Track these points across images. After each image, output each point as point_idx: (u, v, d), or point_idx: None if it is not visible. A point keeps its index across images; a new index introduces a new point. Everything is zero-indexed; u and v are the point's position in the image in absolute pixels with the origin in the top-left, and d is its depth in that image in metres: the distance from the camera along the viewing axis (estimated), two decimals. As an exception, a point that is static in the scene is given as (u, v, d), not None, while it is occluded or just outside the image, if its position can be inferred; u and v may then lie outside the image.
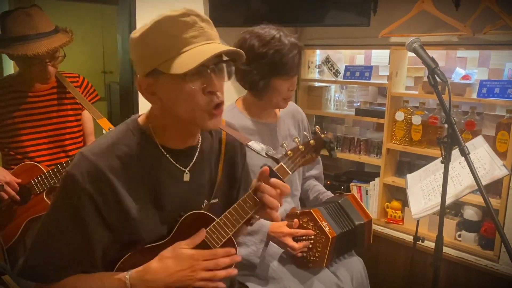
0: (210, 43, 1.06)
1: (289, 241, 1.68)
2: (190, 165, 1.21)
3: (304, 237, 1.70)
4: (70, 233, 1.08)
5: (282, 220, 1.76)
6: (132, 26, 2.26)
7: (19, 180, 1.85)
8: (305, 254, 1.71)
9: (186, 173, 1.20)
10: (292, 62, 1.68)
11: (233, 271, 1.16)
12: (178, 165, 1.19)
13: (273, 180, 1.20)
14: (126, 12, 2.25)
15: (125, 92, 2.39)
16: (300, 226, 1.71)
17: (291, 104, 2.00)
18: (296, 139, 1.29)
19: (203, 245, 1.20)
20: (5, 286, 1.06)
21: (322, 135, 1.30)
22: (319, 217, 1.68)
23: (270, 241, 1.73)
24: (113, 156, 1.09)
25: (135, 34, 1.07)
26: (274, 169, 1.23)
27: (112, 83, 4.39)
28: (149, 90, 1.10)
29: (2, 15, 1.87)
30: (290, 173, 1.25)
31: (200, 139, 1.24)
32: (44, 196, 1.89)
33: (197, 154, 1.22)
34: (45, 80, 1.94)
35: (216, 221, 1.20)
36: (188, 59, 1.01)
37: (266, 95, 1.76)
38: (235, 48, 1.08)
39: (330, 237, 1.64)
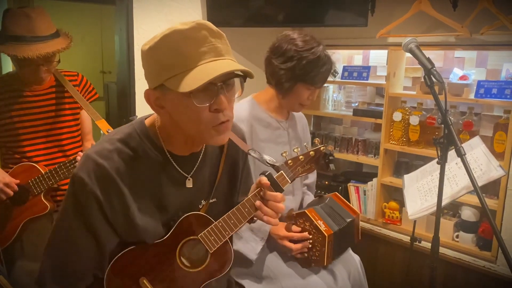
0: (219, 60, 1.03)
1: (286, 243, 1.71)
2: (193, 171, 1.21)
3: (306, 234, 1.71)
4: (82, 239, 1.09)
5: (281, 221, 1.78)
6: (129, 26, 2.26)
7: (18, 181, 1.85)
8: (306, 255, 1.72)
9: (189, 179, 1.20)
10: (322, 76, 1.75)
11: None
12: (181, 171, 1.19)
13: (271, 195, 1.21)
14: (124, 13, 2.25)
15: (122, 92, 2.39)
16: (298, 227, 1.72)
17: None
18: (296, 149, 1.30)
19: (200, 249, 1.21)
20: (-1, 287, 1.06)
21: (322, 148, 1.32)
22: (314, 217, 1.70)
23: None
24: (119, 158, 1.09)
25: (144, 46, 1.05)
26: (274, 177, 1.24)
27: (110, 83, 4.39)
28: (157, 103, 1.08)
29: (5, 13, 1.86)
30: (290, 181, 1.26)
31: (204, 146, 1.24)
32: (42, 197, 1.89)
33: (199, 160, 1.23)
34: (38, 81, 1.93)
35: (214, 223, 1.21)
36: (195, 77, 0.99)
37: (287, 95, 1.80)
38: (243, 68, 1.04)
39: (326, 235, 1.66)
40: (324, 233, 1.66)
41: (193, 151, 1.20)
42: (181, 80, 0.99)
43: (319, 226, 1.67)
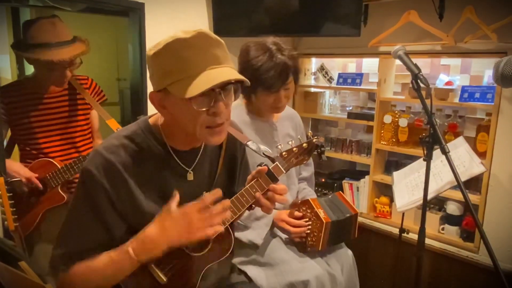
0: (219, 68, 1.04)
1: (286, 226, 1.73)
2: (194, 165, 1.22)
3: (303, 222, 1.73)
4: (91, 226, 1.09)
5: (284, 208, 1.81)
6: (141, 36, 2.27)
7: (37, 175, 1.87)
8: (304, 239, 1.74)
9: (190, 173, 1.22)
10: (271, 80, 1.67)
11: (226, 214, 1.11)
12: (183, 165, 1.20)
13: (273, 187, 1.22)
14: (136, 24, 2.26)
15: (135, 97, 2.41)
16: (300, 212, 1.75)
17: (289, 109, 2.03)
18: (291, 142, 1.31)
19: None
20: (21, 271, 1.07)
21: (314, 139, 1.32)
22: (316, 205, 1.72)
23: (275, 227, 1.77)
24: (125, 153, 1.11)
25: (149, 52, 1.06)
26: (270, 168, 1.25)
27: (125, 89, 4.42)
28: (160, 104, 1.09)
29: (26, 23, 1.89)
30: (284, 171, 1.27)
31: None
32: (59, 189, 1.92)
33: (199, 154, 1.24)
34: (61, 83, 1.96)
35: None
36: (196, 84, 1.00)
37: (256, 103, 1.79)
38: (241, 77, 1.05)
39: (325, 222, 1.67)
40: (323, 220, 1.68)
41: (194, 146, 1.21)
42: (183, 86, 1.00)
43: (319, 214, 1.70)
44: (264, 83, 1.68)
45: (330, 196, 1.84)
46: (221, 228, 1.10)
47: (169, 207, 1.08)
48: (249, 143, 1.32)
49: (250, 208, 1.28)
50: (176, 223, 1.06)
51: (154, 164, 1.15)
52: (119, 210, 1.10)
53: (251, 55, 1.70)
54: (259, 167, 1.24)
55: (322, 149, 1.33)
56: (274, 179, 1.25)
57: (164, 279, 1.14)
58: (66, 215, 1.13)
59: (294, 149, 1.30)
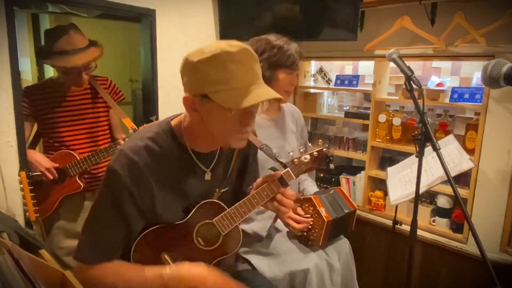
0: (261, 86, 1.05)
1: (291, 222, 1.71)
2: (212, 166, 1.22)
3: (305, 217, 1.72)
4: (114, 221, 1.10)
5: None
6: (153, 40, 2.27)
7: (57, 165, 1.93)
8: (305, 234, 1.73)
9: (208, 173, 1.22)
10: (294, 59, 1.73)
11: None
12: (202, 166, 1.20)
13: (284, 192, 1.22)
14: (148, 29, 2.26)
15: (147, 97, 2.41)
16: (303, 210, 1.74)
17: (290, 105, 2.04)
18: (302, 149, 1.30)
19: (214, 231, 1.22)
20: (42, 259, 1.08)
21: (324, 149, 1.31)
22: (318, 204, 1.70)
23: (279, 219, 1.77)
24: (148, 154, 1.10)
25: (192, 57, 1.03)
26: (282, 174, 1.24)
27: (137, 90, 4.42)
28: (193, 107, 1.08)
29: (46, 32, 1.96)
30: (294, 177, 1.27)
31: None
32: (77, 178, 1.98)
33: (217, 156, 1.24)
34: (79, 84, 2.03)
35: (227, 210, 1.22)
36: (239, 96, 1.00)
37: (270, 85, 1.78)
38: (278, 96, 1.06)
39: (326, 220, 1.66)
40: (324, 218, 1.66)
41: (213, 149, 1.21)
42: (228, 97, 1.00)
43: (321, 212, 1.68)
44: (287, 61, 1.72)
45: (331, 192, 1.82)
46: None
47: (221, 274, 1.09)
48: (263, 146, 1.31)
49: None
50: (213, 282, 1.07)
51: (174, 165, 1.15)
52: (140, 207, 1.11)
53: (272, 39, 1.75)
54: (272, 173, 1.23)
55: (331, 158, 1.31)
56: (285, 185, 1.24)
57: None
58: (91, 208, 1.13)
59: (306, 157, 1.28)
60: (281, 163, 1.27)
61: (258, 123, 1.83)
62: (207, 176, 1.22)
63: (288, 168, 1.25)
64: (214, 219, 1.22)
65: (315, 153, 1.30)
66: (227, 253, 1.26)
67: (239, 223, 1.24)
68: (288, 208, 1.24)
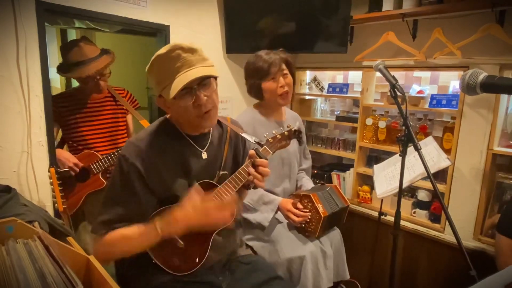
0: (190, 70, 1.08)
1: (291, 216, 1.72)
2: (206, 147, 1.26)
3: (303, 211, 1.72)
4: (127, 198, 1.12)
5: (291, 198, 1.81)
6: (167, 52, 2.28)
7: (82, 164, 1.92)
8: (303, 226, 1.73)
9: (203, 153, 1.25)
10: (267, 67, 1.73)
11: (233, 209, 1.15)
12: (196, 147, 1.24)
13: (257, 160, 1.23)
14: (163, 43, 2.26)
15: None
16: (302, 205, 1.74)
17: (293, 112, 2.06)
18: (275, 131, 1.33)
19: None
20: (69, 245, 1.08)
21: (292, 128, 1.36)
22: (316, 200, 1.70)
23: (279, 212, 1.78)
24: (152, 140, 1.16)
25: (146, 69, 1.12)
26: (260, 150, 1.27)
27: (153, 96, 4.40)
28: (164, 106, 1.16)
29: (60, 48, 1.95)
30: (271, 152, 1.29)
31: (211, 128, 1.29)
32: (100, 176, 1.96)
33: (209, 139, 1.28)
34: (99, 91, 2.00)
35: (219, 187, 1.24)
36: (173, 87, 1.05)
37: (264, 96, 1.80)
38: (205, 73, 1.09)
39: (322, 216, 1.66)
40: (321, 214, 1.66)
41: (200, 132, 1.25)
42: (168, 90, 1.06)
43: (318, 208, 1.68)
44: (262, 71, 1.73)
45: (328, 189, 1.83)
46: (230, 221, 1.15)
47: (194, 199, 1.10)
48: (243, 134, 1.34)
49: (247, 187, 1.28)
50: (197, 213, 1.08)
51: (175, 147, 1.20)
52: (149, 185, 1.14)
53: (250, 60, 1.80)
54: (251, 151, 1.26)
55: (300, 135, 1.37)
56: (264, 159, 1.26)
57: (181, 242, 1.15)
58: (106, 190, 1.16)
59: (278, 135, 1.33)
60: (258, 143, 1.30)
61: (266, 124, 1.84)
62: (204, 155, 1.25)
63: (264, 146, 1.29)
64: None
65: (285, 132, 1.34)
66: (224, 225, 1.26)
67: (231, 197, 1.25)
68: (263, 175, 1.24)
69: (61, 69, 1.92)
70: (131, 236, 1.10)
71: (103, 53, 1.94)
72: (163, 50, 1.07)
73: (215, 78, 1.16)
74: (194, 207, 1.09)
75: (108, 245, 1.11)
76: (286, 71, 1.78)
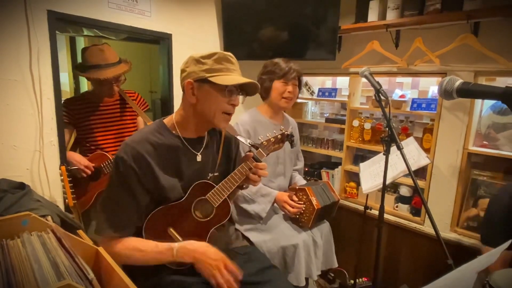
0: (240, 76, 1.15)
1: (287, 207, 1.73)
2: (201, 150, 1.24)
3: (298, 203, 1.73)
4: (125, 199, 1.11)
5: (287, 191, 1.83)
6: (169, 59, 2.27)
7: (94, 164, 1.90)
8: (298, 217, 1.74)
9: (198, 156, 1.23)
10: (285, 71, 1.79)
11: (234, 285, 1.10)
12: (192, 150, 1.22)
13: (256, 164, 1.25)
14: (166, 50, 2.26)
15: (164, 106, 2.40)
16: (297, 197, 1.76)
17: (291, 118, 2.09)
18: (268, 134, 1.34)
19: (207, 206, 1.23)
20: (79, 237, 1.08)
21: (285, 131, 1.36)
22: (310, 193, 1.71)
23: (276, 203, 1.79)
24: (147, 143, 1.13)
25: (196, 55, 1.14)
26: (255, 153, 1.28)
27: (156, 99, 4.39)
28: (192, 91, 1.14)
29: (83, 50, 1.92)
30: (265, 155, 1.30)
31: (206, 132, 1.28)
32: None
33: (205, 142, 1.26)
34: (111, 95, 1.98)
35: (215, 187, 1.23)
36: (229, 79, 1.10)
37: (270, 94, 1.82)
38: (254, 81, 1.15)
39: (316, 208, 1.67)
40: (315, 206, 1.67)
41: (200, 135, 1.24)
42: (221, 79, 1.10)
43: (312, 201, 1.69)
44: (280, 72, 1.79)
45: (321, 184, 1.84)
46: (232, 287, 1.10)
47: (217, 250, 1.12)
48: (238, 136, 1.34)
49: (241, 187, 1.28)
50: (211, 259, 1.09)
51: (170, 150, 1.17)
52: (145, 185, 1.12)
53: (275, 60, 1.84)
54: (247, 153, 1.26)
55: (292, 138, 1.38)
56: (258, 161, 1.27)
57: (180, 239, 1.15)
58: (104, 191, 1.14)
59: (272, 138, 1.33)
60: (253, 146, 1.30)
61: (266, 125, 1.85)
62: (198, 158, 1.23)
63: (259, 149, 1.29)
64: (207, 195, 1.22)
65: (278, 135, 1.35)
66: (220, 222, 1.26)
67: (227, 196, 1.25)
68: (259, 176, 1.26)
69: (78, 69, 1.90)
70: (145, 249, 1.10)
71: (121, 61, 1.94)
72: (223, 52, 1.13)
73: (244, 95, 1.21)
74: (213, 254, 1.10)
75: (118, 252, 1.10)
76: (296, 83, 1.85)
